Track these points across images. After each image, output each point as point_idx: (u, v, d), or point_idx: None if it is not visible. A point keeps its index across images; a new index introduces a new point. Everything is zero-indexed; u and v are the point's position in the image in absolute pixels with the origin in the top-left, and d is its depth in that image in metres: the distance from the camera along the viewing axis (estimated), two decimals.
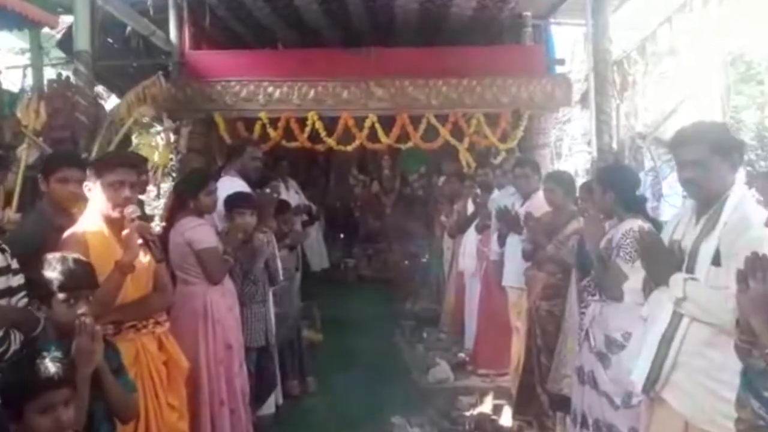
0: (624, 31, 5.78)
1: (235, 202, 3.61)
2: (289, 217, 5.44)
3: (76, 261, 1.99)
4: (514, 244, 4.52)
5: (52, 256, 1.98)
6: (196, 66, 6.72)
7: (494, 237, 4.85)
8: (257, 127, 6.53)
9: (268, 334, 3.78)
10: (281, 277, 3.98)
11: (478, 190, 5.71)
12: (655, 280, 2.30)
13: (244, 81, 6.52)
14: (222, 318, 3.36)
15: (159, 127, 5.47)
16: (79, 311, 1.91)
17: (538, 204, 4.36)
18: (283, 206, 5.35)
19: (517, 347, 4.54)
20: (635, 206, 3.09)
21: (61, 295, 1.94)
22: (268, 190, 4.10)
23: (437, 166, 8.75)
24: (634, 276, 2.74)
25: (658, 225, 3.08)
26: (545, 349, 4.04)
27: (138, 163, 2.62)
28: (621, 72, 5.36)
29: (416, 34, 7.25)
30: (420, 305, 6.93)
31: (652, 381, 2.22)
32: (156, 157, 5.16)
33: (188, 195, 3.38)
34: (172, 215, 3.45)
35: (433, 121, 6.39)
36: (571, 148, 8.86)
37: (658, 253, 2.26)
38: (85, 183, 2.44)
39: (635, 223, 3.01)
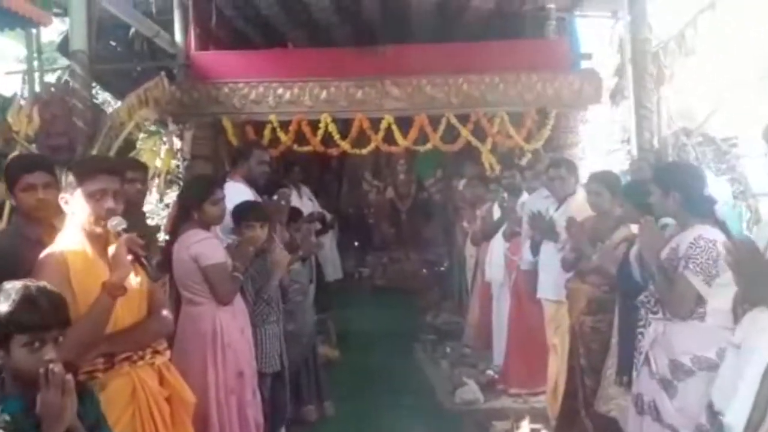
0: (654, 20, 5.35)
1: (243, 213, 3.25)
2: (301, 226, 5.09)
3: (41, 291, 1.58)
4: (550, 252, 4.13)
5: (11, 286, 1.58)
6: (203, 67, 6.39)
7: (526, 245, 4.46)
8: (267, 131, 6.17)
9: (282, 357, 3.40)
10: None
11: (505, 194, 5.32)
12: (753, 300, 1.91)
13: (253, 82, 6.17)
14: (233, 342, 2.99)
15: (162, 131, 5.10)
16: (46, 357, 1.52)
17: (576, 208, 3.98)
18: (295, 214, 5.03)
19: (555, 366, 4.14)
20: (703, 210, 2.69)
21: (21, 337, 1.54)
22: (276, 198, 3.73)
23: (454, 170, 8.39)
24: (717, 294, 2.34)
25: (727, 231, 2.69)
26: (590, 370, 3.64)
27: (121, 169, 2.21)
28: (656, 64, 4.95)
29: (433, 29, 6.88)
30: (441, 318, 6.53)
31: (754, 426, 1.81)
32: (158, 163, 4.78)
33: (192, 204, 3.02)
34: (175, 227, 3.09)
35: (454, 121, 6.01)
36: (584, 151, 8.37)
37: (757, 268, 1.86)
38: (62, 195, 2.06)
39: (705, 230, 2.61)
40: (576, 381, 3.71)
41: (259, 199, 3.86)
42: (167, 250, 3.04)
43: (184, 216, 3.06)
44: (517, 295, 4.91)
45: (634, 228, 3.39)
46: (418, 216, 8.83)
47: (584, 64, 6.57)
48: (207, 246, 2.93)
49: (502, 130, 5.99)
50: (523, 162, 5.89)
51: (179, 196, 3.21)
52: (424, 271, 8.47)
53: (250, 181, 3.87)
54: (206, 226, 3.04)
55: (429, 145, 6.13)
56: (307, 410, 4.20)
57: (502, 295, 5.22)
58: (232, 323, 2.99)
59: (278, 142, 6.17)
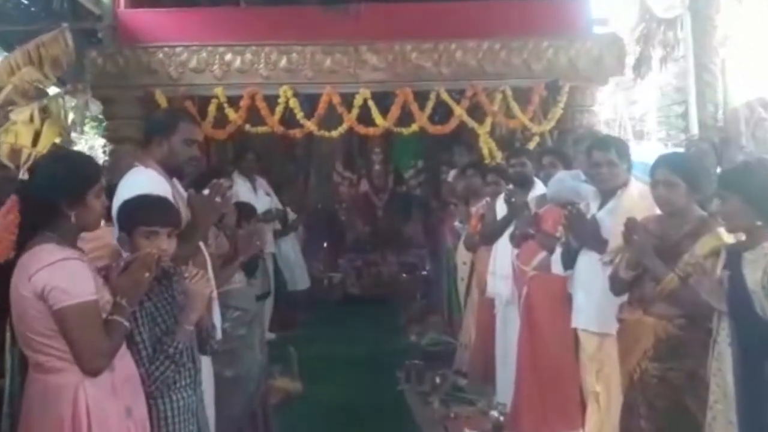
0: None
1: (140, 214, 2.03)
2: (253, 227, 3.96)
3: None
4: (590, 266, 3.01)
5: None
6: (133, 28, 5.20)
7: (556, 255, 3.33)
8: (212, 108, 4.99)
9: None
10: (219, 335, 2.41)
11: (511, 186, 4.21)
12: None
13: (194, 47, 5.01)
14: None
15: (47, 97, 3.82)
16: None
17: (629, 205, 2.88)
18: (247, 212, 3.94)
19: (597, 422, 3.04)
20: None
21: None
22: (208, 192, 2.53)
23: (439, 158, 7.33)
24: None
25: None
26: None
27: None
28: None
29: None
30: (428, 337, 5.38)
31: None
32: (29, 140, 3.44)
33: (62, 200, 1.82)
34: (21, 241, 1.86)
35: (445, 96, 4.92)
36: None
37: None
38: None
39: None
40: None
41: (182, 194, 2.67)
42: (6, 276, 1.82)
43: (31, 223, 1.84)
44: (529, 315, 3.81)
45: (726, 236, 2.33)
46: (396, 212, 7.70)
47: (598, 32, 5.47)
48: (63, 273, 1.72)
49: (505, 108, 4.88)
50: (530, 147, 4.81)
51: (30, 189, 1.96)
52: (404, 275, 7.36)
53: (172, 170, 2.65)
54: (69, 236, 1.84)
55: (414, 127, 4.99)
56: None
57: (509, 315, 4.12)
58: (108, 402, 1.79)
59: (226, 122, 5.01)
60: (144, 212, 2.02)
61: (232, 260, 3.03)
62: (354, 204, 7.68)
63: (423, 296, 6.74)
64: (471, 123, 4.92)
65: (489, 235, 4.33)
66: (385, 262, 7.49)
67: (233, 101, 5.02)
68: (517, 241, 3.97)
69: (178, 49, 4.98)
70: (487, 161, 4.94)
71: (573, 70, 4.83)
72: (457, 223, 4.99)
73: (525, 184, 4.16)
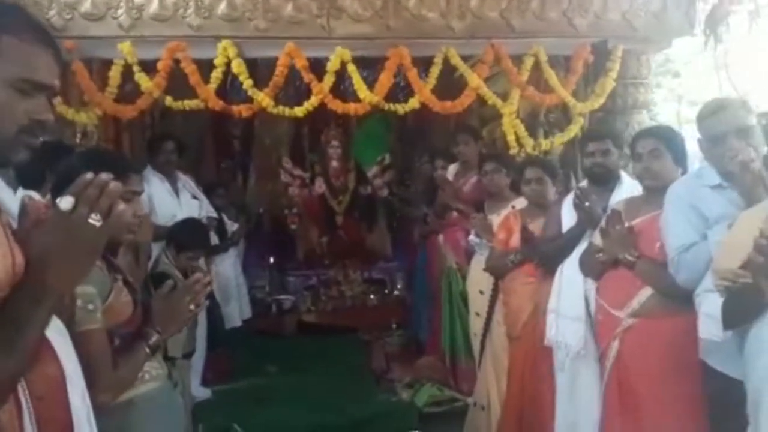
0: None
1: None
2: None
3: None
4: None
5: None
6: None
7: (708, 308, 1.98)
8: (115, 72, 3.38)
9: None
10: None
11: (584, 184, 2.90)
12: None
13: None
14: None
15: None
16: None
17: None
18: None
19: None
20: None
21: None
22: (64, 204, 0.99)
23: (413, 150, 6.00)
24: None
25: None
26: None
27: None
28: None
29: None
30: (425, 392, 3.94)
31: None
32: None
33: None
34: None
35: (456, 60, 3.49)
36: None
37: None
38: None
39: None
40: None
41: (9, 210, 1.14)
42: None
43: None
44: (624, 382, 2.52)
45: None
46: (358, 219, 6.26)
47: None
48: None
49: (538, 77, 3.54)
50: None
51: None
52: (372, 297, 5.93)
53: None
54: None
55: (413, 102, 3.53)
56: None
57: (581, 373, 2.78)
58: None
59: (137, 94, 3.41)
60: None
61: (140, 336, 1.50)
62: (307, 209, 6.14)
63: (400, 325, 5.35)
64: (492, 98, 3.53)
65: (552, 255, 2.93)
66: (347, 280, 6.04)
67: (148, 64, 3.43)
68: (598, 270, 2.62)
69: None
70: (516, 152, 3.57)
71: (628, 27, 3.54)
72: (472, 237, 3.58)
73: (609, 182, 2.84)
